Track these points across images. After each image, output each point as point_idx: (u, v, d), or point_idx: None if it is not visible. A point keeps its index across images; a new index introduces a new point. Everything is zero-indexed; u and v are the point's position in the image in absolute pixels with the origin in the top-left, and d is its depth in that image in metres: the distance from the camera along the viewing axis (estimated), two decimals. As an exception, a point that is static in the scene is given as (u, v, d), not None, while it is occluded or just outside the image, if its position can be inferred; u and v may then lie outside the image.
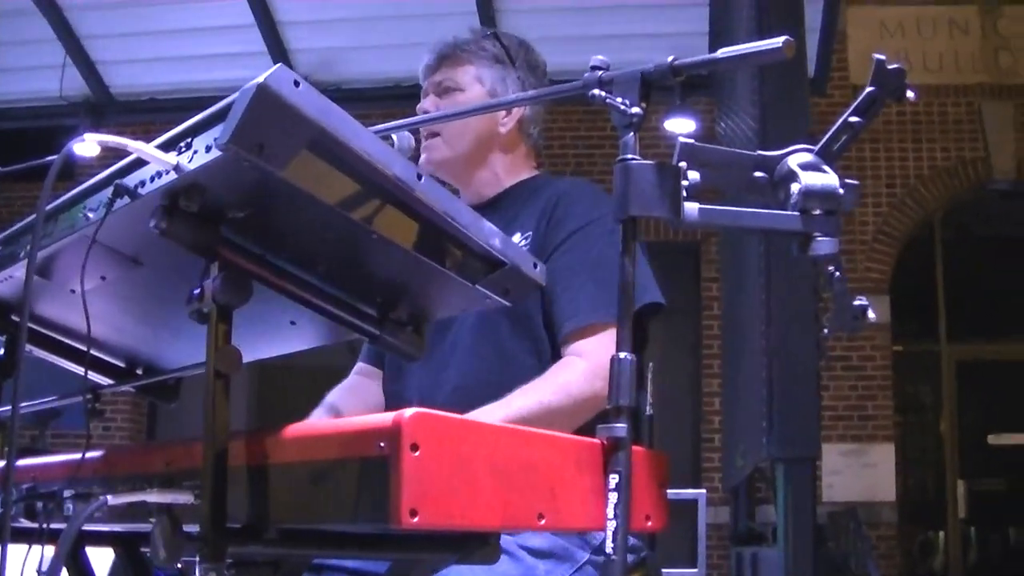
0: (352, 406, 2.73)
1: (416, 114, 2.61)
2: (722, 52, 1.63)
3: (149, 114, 9.62)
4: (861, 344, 10.05)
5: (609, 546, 1.44)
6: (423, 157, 2.71)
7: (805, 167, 1.62)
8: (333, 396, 2.80)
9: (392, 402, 2.71)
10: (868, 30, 10.62)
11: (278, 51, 8.92)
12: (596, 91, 1.64)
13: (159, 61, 9.31)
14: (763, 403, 3.98)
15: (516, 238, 2.53)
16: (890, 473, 10.05)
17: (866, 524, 9.12)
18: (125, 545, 2.20)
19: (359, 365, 2.89)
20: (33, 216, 1.69)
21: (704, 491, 6.59)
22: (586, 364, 2.35)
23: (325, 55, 9.07)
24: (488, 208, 2.67)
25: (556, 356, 2.47)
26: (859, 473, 9.96)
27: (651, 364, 2.81)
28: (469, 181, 2.75)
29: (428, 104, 2.74)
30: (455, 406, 2.18)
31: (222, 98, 1.37)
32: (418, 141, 2.61)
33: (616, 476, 1.46)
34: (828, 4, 8.10)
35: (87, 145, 1.62)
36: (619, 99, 1.61)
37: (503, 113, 2.73)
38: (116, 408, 10.57)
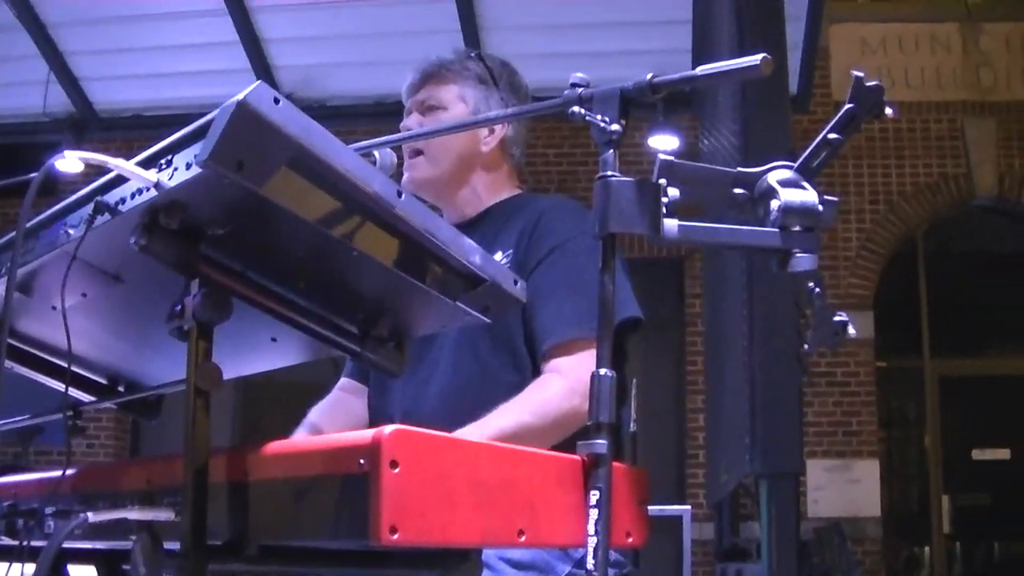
0: (334, 424, 2.72)
1: (399, 132, 2.61)
2: (700, 69, 1.64)
3: (133, 131, 9.60)
4: (845, 360, 10.07)
5: (590, 562, 1.44)
6: (406, 176, 2.71)
7: (785, 184, 1.63)
8: (314, 415, 2.79)
9: (376, 418, 2.71)
10: (850, 47, 10.67)
11: (262, 68, 8.91)
12: (576, 108, 1.64)
13: (143, 78, 9.29)
14: (746, 419, 3.99)
15: (498, 256, 2.53)
16: (875, 488, 10.07)
17: (851, 539, 9.13)
18: (107, 562, 2.19)
19: (342, 381, 2.89)
20: (13, 233, 1.69)
21: (689, 507, 6.61)
22: (564, 381, 2.36)
23: (309, 72, 9.07)
24: (469, 227, 2.67)
25: (537, 372, 2.47)
26: (844, 488, 9.98)
27: (635, 380, 2.81)
28: (451, 200, 2.76)
29: (411, 122, 2.74)
30: (438, 422, 2.19)
31: (206, 114, 1.38)
32: (401, 159, 2.61)
33: (597, 492, 1.47)
34: (810, 21, 8.12)
35: (69, 161, 1.62)
36: (599, 116, 1.62)
37: (485, 132, 2.74)
38: (100, 425, 10.53)
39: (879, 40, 10.76)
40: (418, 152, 2.71)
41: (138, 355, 2.05)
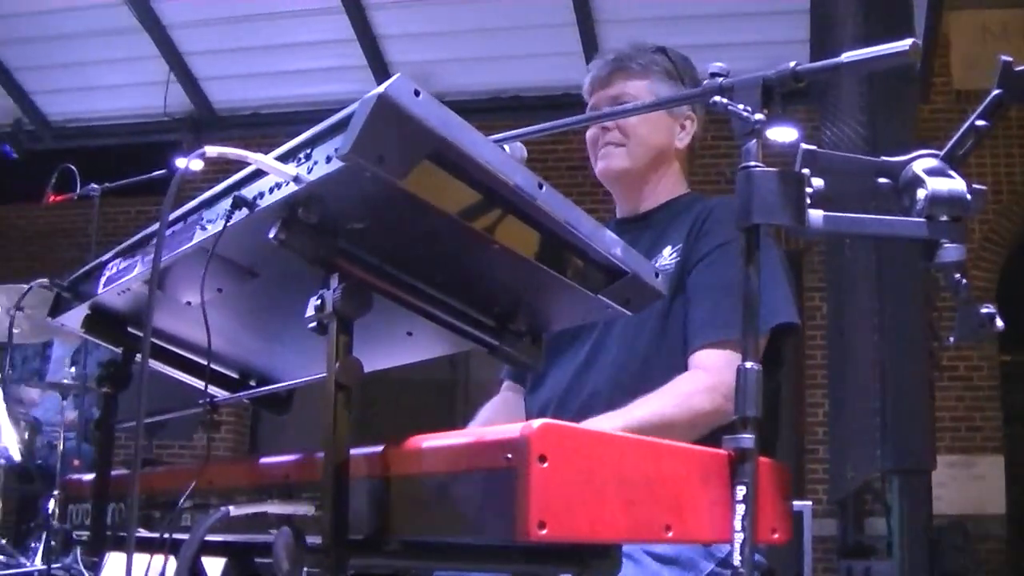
0: (501, 421, 2.73)
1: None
2: (846, 56, 1.61)
3: (251, 128, 9.75)
4: (968, 354, 9.86)
5: (737, 559, 1.42)
6: (601, 164, 2.74)
7: (931, 172, 1.59)
8: (485, 412, 2.84)
9: (530, 404, 2.74)
10: (971, 35, 10.43)
11: (377, 65, 8.98)
12: (717, 98, 1.62)
13: (261, 76, 9.43)
14: (875, 415, 3.93)
15: (667, 251, 2.56)
16: (999, 486, 9.85)
17: (974, 538, 8.96)
18: (239, 555, 2.20)
19: (506, 382, 2.93)
20: (151, 228, 1.71)
21: (810, 503, 6.51)
22: (709, 379, 2.35)
23: (424, 68, 9.11)
24: (641, 221, 2.73)
25: (686, 367, 2.46)
26: (967, 486, 9.77)
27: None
28: (634, 192, 2.78)
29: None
30: (591, 411, 2.20)
31: (323, 111, 1.37)
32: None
33: (743, 488, 1.44)
34: (931, 9, 7.99)
35: (189, 160, 1.63)
36: (740, 106, 1.59)
37: (679, 128, 2.76)
38: (220, 420, 10.69)
39: (1000, 27, 10.50)
40: (618, 144, 2.72)
41: (270, 350, 2.06)
